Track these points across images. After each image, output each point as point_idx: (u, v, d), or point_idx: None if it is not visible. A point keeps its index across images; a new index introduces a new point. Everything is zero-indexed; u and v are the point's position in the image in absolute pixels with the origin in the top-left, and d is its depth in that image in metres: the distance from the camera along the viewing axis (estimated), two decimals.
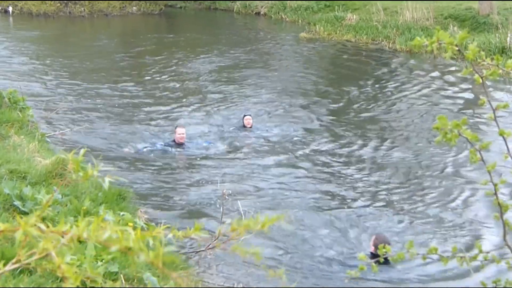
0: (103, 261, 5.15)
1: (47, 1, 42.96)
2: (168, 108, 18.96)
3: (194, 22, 42.73)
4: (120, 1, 44.48)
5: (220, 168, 13.97)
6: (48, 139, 12.58)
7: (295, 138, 16.25)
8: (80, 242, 2.15)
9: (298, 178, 13.63)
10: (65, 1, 43.03)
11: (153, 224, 8.37)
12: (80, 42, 32.53)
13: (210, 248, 8.86)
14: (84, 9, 42.95)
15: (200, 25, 40.29)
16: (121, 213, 7.14)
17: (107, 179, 2.54)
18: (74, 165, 2.40)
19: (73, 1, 43.08)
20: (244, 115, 16.96)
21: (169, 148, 15.02)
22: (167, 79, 22.79)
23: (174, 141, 15.18)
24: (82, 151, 2.56)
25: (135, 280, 5.23)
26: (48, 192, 6.92)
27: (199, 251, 8.79)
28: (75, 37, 34.50)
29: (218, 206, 11.34)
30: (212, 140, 15.94)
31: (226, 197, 10.31)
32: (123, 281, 5.09)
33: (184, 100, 19.84)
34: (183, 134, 15.15)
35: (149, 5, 44.85)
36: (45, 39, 33.05)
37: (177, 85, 21.77)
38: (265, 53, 29.09)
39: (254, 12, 42.66)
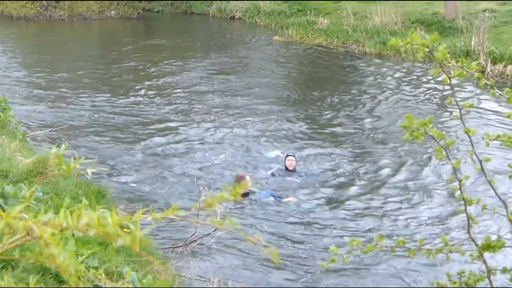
0: (83, 256, 5.13)
1: (27, 5, 42.64)
2: (140, 109, 18.86)
3: (171, 26, 42.66)
4: (99, 5, 44.24)
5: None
6: (28, 139, 12.52)
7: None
8: (61, 238, 2.14)
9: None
10: (45, 5, 42.71)
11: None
12: (61, 44, 32.32)
13: (187, 244, 8.88)
14: (63, 13, 42.68)
15: (177, 29, 40.22)
16: (101, 210, 7.10)
17: (89, 171, 2.54)
18: (56, 160, 2.39)
19: (53, 5, 42.77)
20: (287, 155, 14.14)
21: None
22: (146, 83, 22.54)
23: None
24: (63, 146, 2.56)
25: (115, 275, 5.22)
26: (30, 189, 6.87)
27: (177, 247, 8.81)
28: (55, 39, 34.27)
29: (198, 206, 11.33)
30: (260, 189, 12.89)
31: (202, 195, 10.34)
32: (104, 275, 5.07)
33: (174, 111, 19.31)
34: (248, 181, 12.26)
35: (127, 9, 44.65)
36: (26, 40, 32.83)
37: (157, 91, 21.45)
38: (243, 57, 29.06)
39: (229, 16, 42.65)
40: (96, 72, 24.23)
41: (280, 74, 25.03)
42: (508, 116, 3.73)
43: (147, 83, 22.16)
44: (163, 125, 16.95)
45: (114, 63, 26.35)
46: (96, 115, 17.82)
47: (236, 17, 42.04)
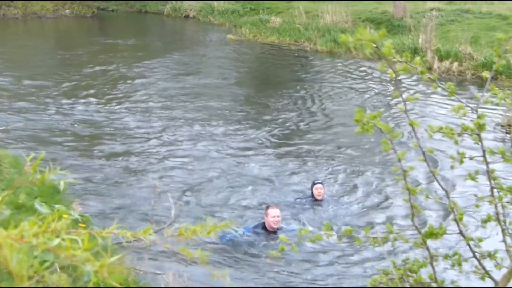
0: (39, 250, 5.08)
1: None
2: (98, 112, 18.58)
3: (127, 25, 42.24)
4: (53, 4, 43.60)
5: None
6: None
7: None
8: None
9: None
10: None
11: (87, 214, 8.26)
12: (15, 43, 31.76)
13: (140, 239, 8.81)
14: (18, 12, 41.98)
15: (133, 28, 39.84)
16: (56, 206, 7.06)
17: (62, 182, 2.53)
18: (32, 168, 2.39)
19: (7, 4, 42.03)
20: (314, 183, 12.12)
21: (257, 235, 10.64)
22: (104, 85, 22.05)
23: (263, 226, 10.71)
24: (40, 155, 2.55)
25: (70, 269, 5.19)
26: None
27: (133, 241, 8.74)
28: (7, 37, 33.68)
29: (152, 202, 11.30)
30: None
31: (158, 189, 10.33)
32: (58, 269, 5.04)
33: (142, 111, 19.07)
34: (278, 217, 10.63)
35: (82, 8, 44.09)
36: None
37: (115, 94, 20.88)
38: (200, 56, 28.83)
39: (183, 16, 42.46)
40: (52, 75, 23.59)
41: (236, 73, 25.01)
42: (455, 110, 3.81)
43: (105, 85, 21.69)
44: (121, 130, 16.52)
45: (71, 65, 25.63)
46: (47, 118, 17.37)
47: (191, 16, 41.87)
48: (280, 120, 17.81)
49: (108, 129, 16.51)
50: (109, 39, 33.16)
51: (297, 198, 12.27)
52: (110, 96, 20.08)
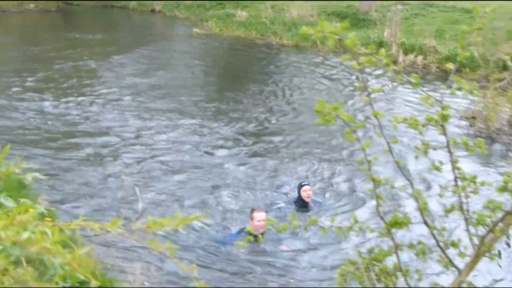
0: (7, 244, 5.04)
1: None
2: (67, 108, 18.37)
3: (93, 19, 41.87)
4: None
5: None
6: None
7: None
8: None
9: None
10: None
11: (53, 209, 8.21)
12: None
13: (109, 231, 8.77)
14: None
15: (99, 22, 39.56)
16: (22, 200, 6.97)
17: (28, 176, 2.51)
18: None
19: None
20: (302, 184, 11.46)
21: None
22: (73, 81, 21.58)
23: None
24: (6, 147, 2.53)
25: (37, 262, 5.14)
26: None
27: (100, 234, 8.70)
28: None
29: (118, 195, 11.24)
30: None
31: (125, 182, 10.28)
32: (24, 263, 4.99)
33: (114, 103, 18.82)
34: (264, 221, 9.82)
35: (46, 2, 43.60)
36: None
37: (85, 90, 20.35)
38: (167, 51, 28.69)
39: (149, 9, 42.28)
40: (20, 70, 23.13)
41: (204, 67, 24.92)
42: (424, 99, 3.84)
43: (75, 80, 21.27)
44: (90, 125, 16.25)
45: (39, 60, 25.12)
46: (15, 114, 17.08)
47: (157, 10, 41.73)
48: (250, 114, 17.80)
49: (78, 124, 16.30)
50: (76, 33, 32.76)
51: (283, 202, 11.63)
52: (80, 91, 19.78)
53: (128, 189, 11.38)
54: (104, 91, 20.02)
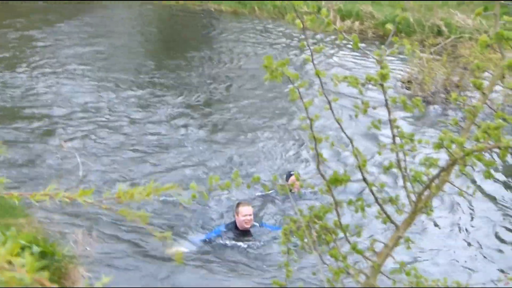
0: None
1: None
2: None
3: None
4: None
5: None
6: None
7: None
8: None
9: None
10: None
11: None
12: None
13: (52, 198, 8.68)
14: None
15: None
16: None
17: None
18: None
19: None
20: (290, 174, 10.25)
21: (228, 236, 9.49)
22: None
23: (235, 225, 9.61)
24: None
25: None
26: None
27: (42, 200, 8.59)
28: None
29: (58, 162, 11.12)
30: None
31: (65, 148, 10.17)
32: None
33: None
34: (251, 215, 9.54)
35: None
36: None
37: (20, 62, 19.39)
38: (103, 17, 27.87)
39: None
40: None
41: (142, 36, 24.37)
42: (377, 55, 3.88)
43: (16, 51, 20.35)
44: (34, 96, 15.83)
45: None
46: None
47: None
48: (196, 83, 17.66)
49: (21, 95, 15.83)
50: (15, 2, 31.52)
51: (266, 193, 10.54)
52: (23, 62, 19.11)
53: (68, 156, 11.25)
54: (47, 61, 19.38)
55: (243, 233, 9.43)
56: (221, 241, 9.33)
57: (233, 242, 9.29)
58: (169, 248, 7.85)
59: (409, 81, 16.48)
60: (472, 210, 10.79)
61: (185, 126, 14.25)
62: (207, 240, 9.39)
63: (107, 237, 8.99)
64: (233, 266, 8.91)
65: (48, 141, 12.76)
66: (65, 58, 19.79)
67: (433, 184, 3.82)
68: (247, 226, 9.37)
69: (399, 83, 16.52)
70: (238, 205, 9.59)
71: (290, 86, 3.51)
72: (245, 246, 9.27)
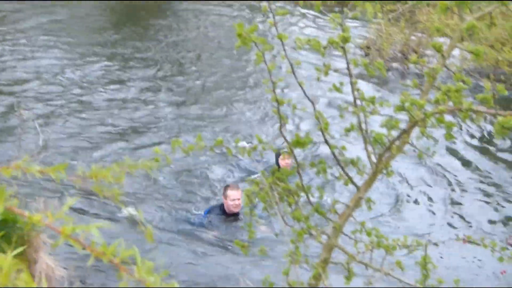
0: None
1: None
2: None
3: None
4: None
5: None
6: None
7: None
8: None
9: None
10: None
11: None
12: None
13: (24, 172, 8.57)
14: None
15: None
16: None
17: None
18: None
19: None
20: (280, 152, 8.47)
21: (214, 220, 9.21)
22: None
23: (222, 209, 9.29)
24: None
25: None
26: None
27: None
28: None
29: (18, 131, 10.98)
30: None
31: (24, 117, 10.04)
32: None
33: None
34: (239, 200, 8.96)
35: None
36: None
37: None
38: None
39: None
40: None
41: (103, 3, 23.72)
42: (331, 21, 3.89)
43: None
44: None
45: None
46: None
47: None
48: (163, 57, 17.23)
49: None
50: None
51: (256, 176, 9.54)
52: None
53: (28, 124, 11.11)
54: (7, 31, 18.84)
55: (230, 217, 9.14)
56: (205, 223, 9.06)
57: (219, 224, 9.02)
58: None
59: (367, 47, 16.58)
60: (435, 172, 11.05)
61: (155, 99, 14.07)
62: (192, 221, 9.14)
63: (72, 207, 8.91)
64: (216, 242, 8.75)
65: (8, 112, 12.54)
66: (29, 29, 19.14)
67: (394, 145, 3.88)
68: (236, 210, 9.06)
69: (357, 50, 16.61)
70: (226, 188, 9.23)
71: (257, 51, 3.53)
72: (232, 228, 9.00)
